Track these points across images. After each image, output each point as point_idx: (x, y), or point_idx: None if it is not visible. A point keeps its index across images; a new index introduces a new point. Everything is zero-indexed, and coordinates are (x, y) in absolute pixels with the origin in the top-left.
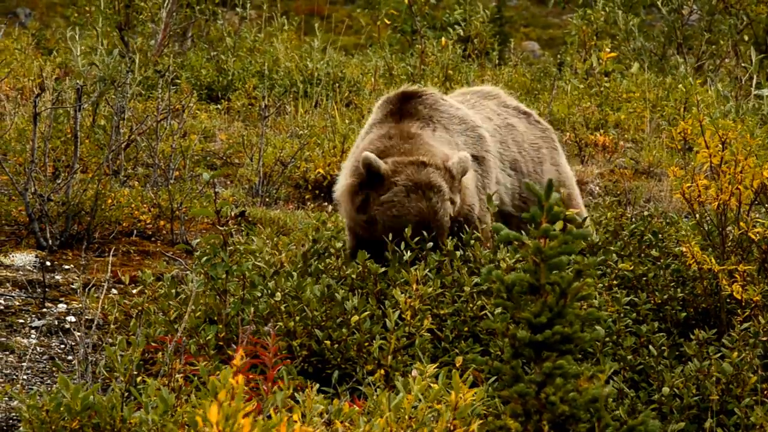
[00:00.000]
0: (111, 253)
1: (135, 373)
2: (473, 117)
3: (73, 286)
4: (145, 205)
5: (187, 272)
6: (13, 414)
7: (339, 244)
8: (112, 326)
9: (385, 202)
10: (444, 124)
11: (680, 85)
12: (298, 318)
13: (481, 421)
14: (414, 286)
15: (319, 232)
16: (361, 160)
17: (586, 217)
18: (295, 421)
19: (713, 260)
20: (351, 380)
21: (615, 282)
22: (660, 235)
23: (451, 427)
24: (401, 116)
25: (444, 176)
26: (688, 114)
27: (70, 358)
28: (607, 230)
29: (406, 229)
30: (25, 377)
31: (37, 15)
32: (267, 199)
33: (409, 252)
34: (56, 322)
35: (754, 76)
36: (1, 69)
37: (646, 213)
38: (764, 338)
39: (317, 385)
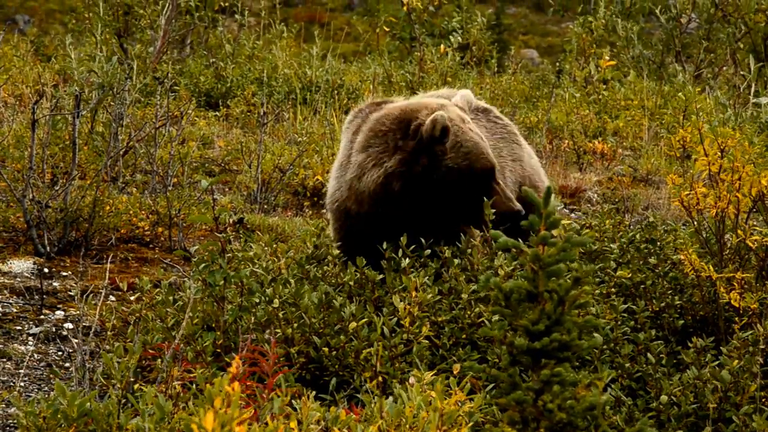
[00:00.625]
0: (109, 260)
1: (132, 380)
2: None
3: (70, 293)
4: (143, 212)
5: (185, 279)
6: (11, 421)
7: (337, 251)
8: (109, 333)
9: (461, 143)
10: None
11: (679, 93)
12: (296, 325)
13: (471, 423)
14: (412, 293)
15: (320, 239)
16: (438, 123)
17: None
18: (292, 429)
19: (711, 268)
20: (349, 387)
21: (613, 290)
22: (658, 243)
23: None
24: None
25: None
26: (687, 122)
27: (67, 365)
28: (605, 237)
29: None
30: (22, 384)
31: (35, 22)
32: (265, 206)
33: (407, 259)
34: (54, 329)
35: (753, 85)
36: None
37: (650, 220)
38: (763, 346)
39: (313, 392)
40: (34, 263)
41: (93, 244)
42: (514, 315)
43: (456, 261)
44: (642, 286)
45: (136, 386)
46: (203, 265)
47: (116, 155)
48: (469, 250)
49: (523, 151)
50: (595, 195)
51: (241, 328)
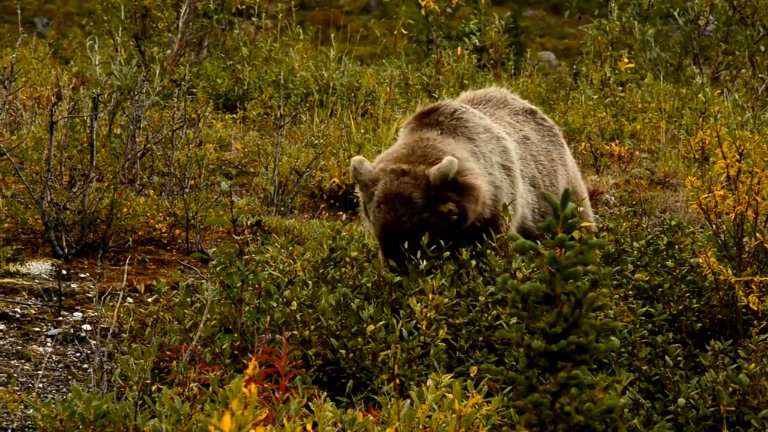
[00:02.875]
0: (126, 262)
1: (149, 381)
2: (497, 128)
3: (88, 295)
4: (160, 214)
5: (203, 281)
6: (29, 422)
7: (354, 253)
8: (127, 335)
9: (370, 212)
10: (467, 135)
11: (698, 95)
12: (313, 327)
13: (489, 426)
14: (430, 296)
15: (335, 242)
16: (351, 165)
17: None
18: (308, 431)
19: (730, 271)
20: (366, 390)
21: (631, 292)
22: (677, 246)
23: None
24: (422, 128)
25: (420, 185)
26: (705, 124)
27: (85, 366)
28: (624, 240)
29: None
30: (40, 385)
31: (54, 24)
32: (282, 208)
33: (425, 261)
34: (72, 331)
35: None
36: (18, 78)
37: (673, 223)
38: None
39: (325, 393)
40: (53, 265)
41: (111, 246)
42: (531, 317)
43: (473, 263)
44: (660, 289)
45: (153, 388)
46: (221, 267)
47: (134, 157)
48: (487, 251)
49: (567, 154)
50: (613, 198)
51: (259, 330)
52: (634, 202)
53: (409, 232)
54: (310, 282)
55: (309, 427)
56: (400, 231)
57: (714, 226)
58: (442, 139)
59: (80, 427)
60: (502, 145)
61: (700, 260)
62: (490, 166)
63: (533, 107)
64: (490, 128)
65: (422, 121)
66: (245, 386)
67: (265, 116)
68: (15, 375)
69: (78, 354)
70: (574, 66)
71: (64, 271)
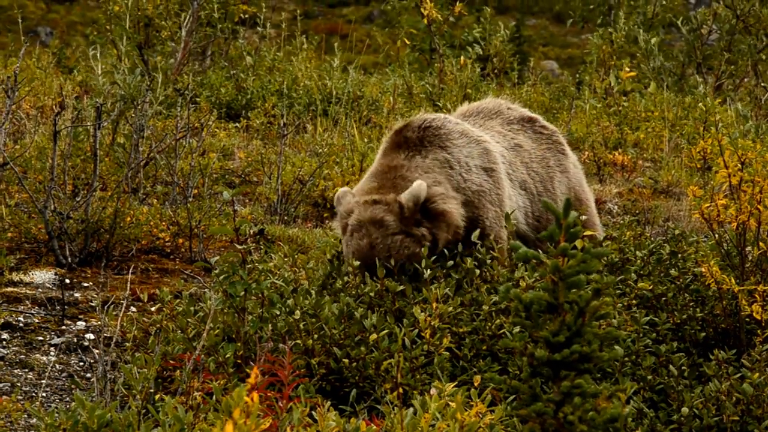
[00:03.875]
0: (130, 271)
1: (152, 390)
2: (477, 133)
3: (92, 304)
4: (163, 223)
5: (206, 290)
6: (32, 431)
7: (357, 263)
8: (130, 344)
9: (344, 243)
10: (438, 143)
11: (700, 104)
12: (316, 336)
13: None
14: (433, 305)
15: (339, 250)
16: (335, 196)
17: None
18: None
19: (733, 280)
20: (369, 398)
21: (634, 301)
22: (680, 255)
23: None
24: (392, 149)
25: (392, 210)
26: (708, 133)
27: (88, 375)
28: (628, 249)
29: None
30: (44, 394)
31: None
32: (285, 218)
33: (428, 270)
34: (75, 340)
35: None
36: (22, 87)
37: (677, 232)
38: None
39: (328, 403)
40: (56, 274)
41: (114, 255)
42: (534, 326)
43: (477, 272)
44: (663, 298)
45: (156, 397)
46: (224, 276)
47: (137, 166)
48: (489, 261)
49: (569, 161)
50: (616, 207)
51: (262, 339)
52: (637, 211)
53: (380, 253)
54: (313, 291)
55: None
56: (372, 253)
57: (717, 235)
58: (409, 162)
59: None
60: (483, 148)
61: (703, 269)
62: (466, 172)
63: (533, 115)
64: (467, 133)
65: (394, 140)
66: (247, 395)
67: (268, 125)
68: (18, 384)
69: (81, 363)
70: (578, 75)
71: (67, 280)
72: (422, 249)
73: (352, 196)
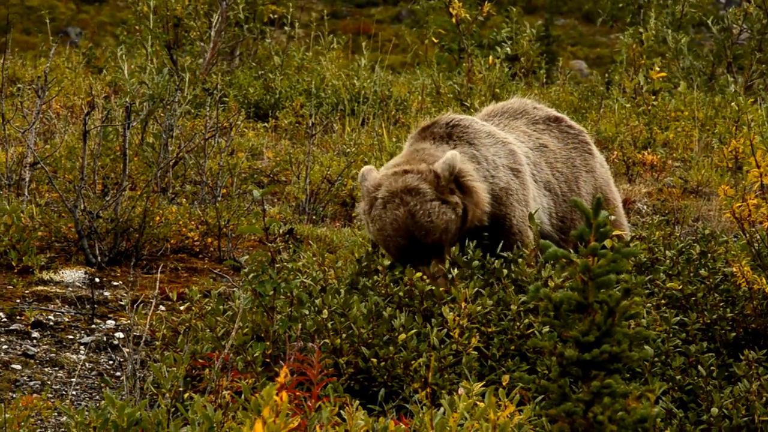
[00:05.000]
0: (159, 270)
1: (181, 389)
2: (502, 134)
3: (121, 303)
4: (192, 222)
5: (235, 289)
6: (62, 429)
7: (387, 262)
8: (159, 343)
9: (372, 218)
10: (467, 139)
11: (732, 104)
12: (344, 335)
13: None
14: (462, 304)
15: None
16: (360, 174)
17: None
18: None
19: (764, 280)
20: (397, 398)
21: (664, 301)
22: (709, 255)
23: None
24: (417, 141)
25: (427, 178)
26: (739, 133)
27: (118, 374)
28: (657, 249)
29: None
30: (74, 393)
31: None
32: (314, 217)
33: (456, 269)
34: (105, 338)
35: None
36: (52, 87)
37: (706, 232)
38: None
39: (357, 402)
40: (86, 273)
41: (143, 254)
42: (563, 326)
43: (505, 272)
44: (693, 298)
45: (185, 395)
46: (253, 275)
47: (166, 166)
48: (520, 260)
49: (595, 161)
50: (645, 206)
51: (290, 338)
52: (666, 211)
53: (420, 221)
54: (342, 290)
55: None
56: (413, 222)
57: (748, 235)
58: (437, 146)
59: None
60: (508, 149)
61: (734, 269)
62: (494, 169)
63: (559, 115)
64: (494, 134)
65: (420, 135)
66: (276, 394)
67: (296, 125)
68: (49, 382)
69: (111, 362)
70: (607, 74)
71: (97, 279)
72: (457, 217)
73: (377, 171)
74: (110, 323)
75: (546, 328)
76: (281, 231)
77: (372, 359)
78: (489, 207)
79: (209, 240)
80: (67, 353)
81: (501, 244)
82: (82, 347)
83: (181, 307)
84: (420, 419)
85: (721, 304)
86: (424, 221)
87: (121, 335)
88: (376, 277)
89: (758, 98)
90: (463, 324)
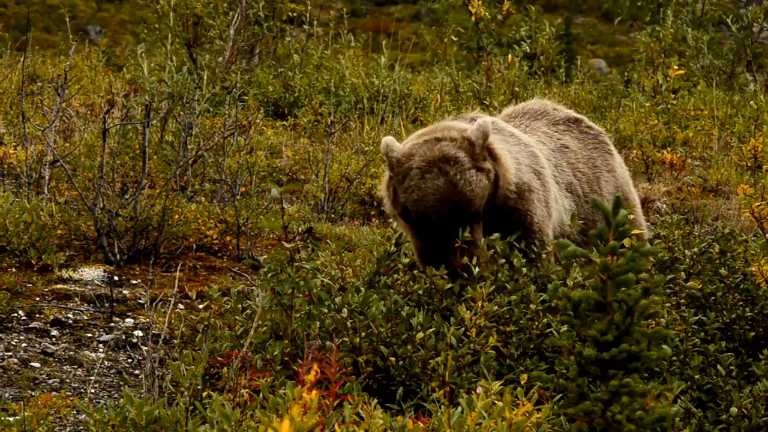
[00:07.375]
0: (178, 268)
1: (200, 387)
2: (524, 136)
3: (140, 301)
4: (211, 221)
5: (253, 287)
6: (81, 427)
7: (406, 260)
8: (178, 341)
9: (406, 189)
10: (495, 133)
11: (751, 102)
12: (363, 334)
13: None
14: (479, 303)
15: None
16: (382, 144)
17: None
18: None
19: None
20: (416, 397)
21: (683, 300)
22: (729, 254)
23: None
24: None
25: (462, 146)
26: (758, 132)
27: (137, 372)
28: (677, 248)
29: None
30: (92, 391)
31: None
32: (332, 215)
33: (477, 268)
34: (124, 337)
35: None
36: (71, 85)
37: (725, 231)
38: None
39: (375, 401)
40: (105, 271)
41: (162, 253)
42: (582, 325)
43: (525, 270)
44: (712, 297)
45: (204, 394)
46: (272, 273)
47: (185, 164)
48: (543, 256)
49: (615, 161)
50: (664, 205)
51: (309, 337)
52: (686, 210)
53: (463, 189)
54: (362, 288)
55: None
56: (455, 191)
57: (767, 234)
58: (460, 122)
59: None
60: (530, 152)
61: (754, 269)
62: (516, 164)
63: (578, 116)
64: (516, 135)
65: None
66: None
67: (315, 123)
68: (67, 380)
69: (130, 360)
70: (626, 73)
71: (116, 278)
72: (490, 183)
73: (400, 142)
74: (129, 321)
75: (565, 327)
76: (300, 230)
77: (390, 358)
78: (515, 178)
79: (228, 238)
80: (86, 351)
81: (522, 242)
82: (100, 345)
83: (200, 306)
84: (438, 418)
85: (741, 303)
86: (466, 190)
87: (140, 333)
88: (396, 276)
89: None
90: (480, 323)
